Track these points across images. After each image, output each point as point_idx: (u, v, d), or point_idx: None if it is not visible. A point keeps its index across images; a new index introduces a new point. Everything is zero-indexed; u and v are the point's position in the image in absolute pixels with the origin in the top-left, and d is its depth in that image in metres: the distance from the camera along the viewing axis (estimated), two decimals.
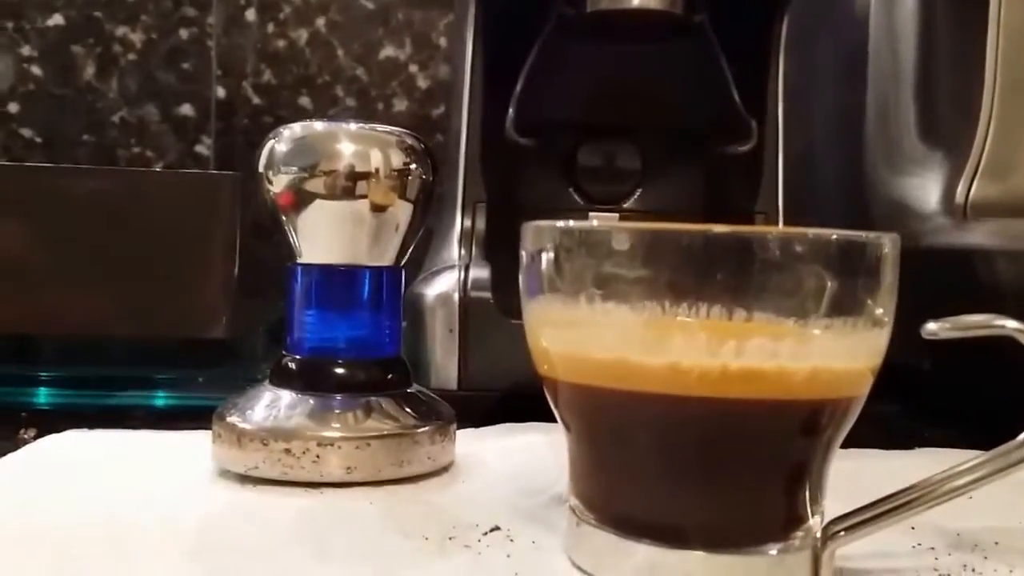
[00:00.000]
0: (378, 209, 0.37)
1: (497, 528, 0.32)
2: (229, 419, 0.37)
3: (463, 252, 0.53)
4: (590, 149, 0.61)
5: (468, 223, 0.54)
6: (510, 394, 0.48)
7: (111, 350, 0.50)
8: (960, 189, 0.54)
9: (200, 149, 0.85)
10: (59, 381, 0.49)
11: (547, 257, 0.28)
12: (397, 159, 0.37)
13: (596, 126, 0.60)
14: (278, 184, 0.37)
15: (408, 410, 0.38)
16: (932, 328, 0.28)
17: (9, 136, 0.83)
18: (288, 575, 0.27)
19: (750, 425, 0.26)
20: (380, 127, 0.38)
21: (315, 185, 0.37)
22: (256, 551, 0.29)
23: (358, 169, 0.37)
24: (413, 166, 0.38)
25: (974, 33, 0.54)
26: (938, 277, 0.60)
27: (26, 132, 0.83)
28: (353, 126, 0.37)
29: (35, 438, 0.44)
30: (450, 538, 0.30)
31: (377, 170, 0.37)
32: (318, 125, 0.37)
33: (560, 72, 0.57)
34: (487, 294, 0.47)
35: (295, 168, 0.37)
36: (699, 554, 0.27)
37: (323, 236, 0.37)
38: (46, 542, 0.29)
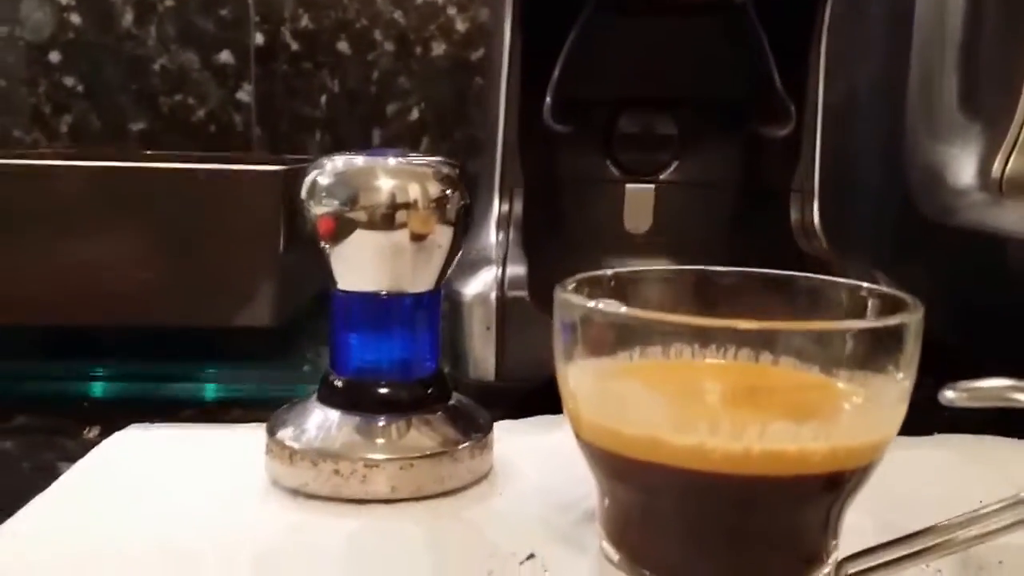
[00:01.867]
0: (417, 239, 0.39)
1: (532, 556, 0.34)
2: (279, 435, 0.39)
3: (501, 238, 0.55)
4: (628, 119, 0.61)
5: (506, 207, 0.55)
6: (546, 385, 0.50)
7: (161, 341, 0.53)
8: (996, 165, 0.55)
9: (241, 96, 0.86)
10: (114, 374, 0.51)
11: (576, 330, 0.29)
12: (435, 189, 0.39)
13: (634, 99, 0.60)
14: (318, 214, 0.38)
15: (448, 427, 0.40)
16: (950, 396, 0.29)
17: (53, 87, 0.84)
18: None
19: (770, 496, 0.28)
20: (416, 159, 0.39)
21: (355, 217, 0.38)
22: None
23: (397, 202, 0.38)
24: (449, 192, 0.39)
25: (1022, 8, 0.54)
26: (971, 253, 0.61)
27: (68, 81, 0.85)
28: (392, 160, 0.38)
29: (98, 436, 0.46)
30: (489, 574, 0.33)
31: (416, 202, 0.38)
32: (358, 160, 0.38)
33: (599, 51, 0.57)
34: (524, 293, 0.48)
35: (336, 202, 0.38)
36: None
37: (363, 266, 0.39)
38: (107, 565, 0.32)
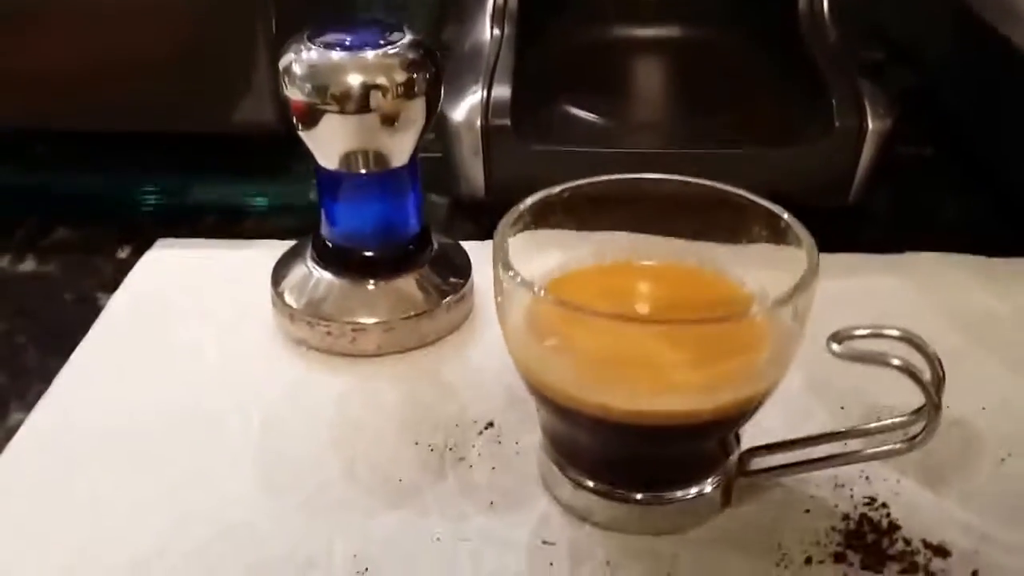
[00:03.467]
0: (389, 121, 0.41)
1: (491, 425, 0.40)
2: (281, 291, 0.45)
3: (495, 32, 0.56)
4: None
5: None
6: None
7: (183, 150, 0.57)
8: None
9: None
10: (142, 184, 0.56)
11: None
12: (402, 77, 0.41)
13: None
14: (292, 99, 0.41)
15: (430, 285, 0.45)
16: (835, 349, 0.33)
17: None
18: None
19: (666, 436, 0.34)
20: (390, 50, 0.41)
21: (327, 107, 0.40)
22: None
23: (367, 92, 0.40)
24: (416, 75, 0.41)
25: None
26: None
27: None
28: (361, 54, 0.40)
29: (130, 255, 0.52)
30: (450, 448, 0.39)
31: (384, 91, 0.40)
32: (332, 54, 0.40)
33: None
34: (507, 121, 0.50)
35: (308, 89, 0.40)
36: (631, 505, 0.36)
37: (338, 150, 0.42)
38: (145, 425, 0.40)
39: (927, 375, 0.33)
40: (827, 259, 0.48)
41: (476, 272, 0.47)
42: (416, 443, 0.39)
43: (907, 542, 0.35)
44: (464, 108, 0.51)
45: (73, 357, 0.44)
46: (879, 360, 0.32)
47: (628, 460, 0.36)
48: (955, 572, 0.34)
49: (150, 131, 0.55)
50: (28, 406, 0.41)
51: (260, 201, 0.56)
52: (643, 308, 0.38)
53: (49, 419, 0.40)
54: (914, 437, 0.34)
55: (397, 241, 0.45)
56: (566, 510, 0.37)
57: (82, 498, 0.37)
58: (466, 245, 0.49)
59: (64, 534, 0.36)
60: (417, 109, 0.42)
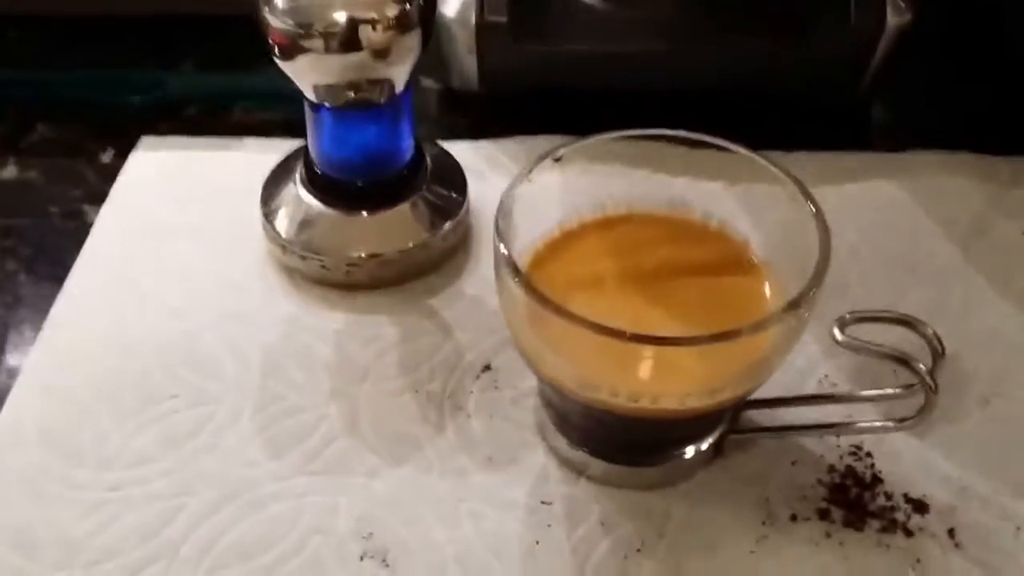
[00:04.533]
0: (380, 56, 0.39)
1: (488, 368, 0.41)
2: (270, 218, 0.44)
3: None
4: None
5: None
6: (527, 96, 0.52)
7: (164, 35, 0.54)
8: None
9: None
10: (125, 75, 0.54)
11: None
12: (393, 11, 0.38)
13: None
14: (276, 32, 0.38)
15: (424, 215, 0.44)
16: (838, 337, 0.33)
17: None
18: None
19: (663, 423, 0.34)
20: None
21: (311, 45, 0.38)
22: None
23: (354, 27, 0.38)
24: (411, 5, 0.39)
25: None
26: None
27: None
28: None
29: (113, 158, 0.51)
30: (448, 396, 0.40)
31: (374, 25, 0.38)
32: None
33: None
34: (503, 18, 0.48)
35: (291, 23, 0.38)
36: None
37: (324, 84, 0.40)
38: (141, 363, 0.40)
39: (926, 359, 0.34)
40: (828, 159, 0.48)
41: (472, 186, 0.46)
42: (416, 391, 0.40)
43: (888, 496, 0.37)
44: (457, 2, 0.49)
45: (65, 288, 0.44)
46: (877, 352, 0.32)
47: (625, 437, 0.36)
48: (932, 528, 0.36)
49: (130, 14, 0.53)
50: (26, 341, 0.42)
51: (247, 91, 0.54)
52: (644, 283, 0.37)
53: (47, 363, 0.41)
54: (906, 419, 0.34)
55: (390, 171, 0.43)
56: (562, 463, 0.38)
57: (87, 453, 0.38)
58: (460, 148, 0.48)
59: (70, 489, 0.37)
60: (411, 42, 0.40)
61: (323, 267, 0.43)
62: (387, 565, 0.34)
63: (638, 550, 0.35)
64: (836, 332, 0.33)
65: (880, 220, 0.47)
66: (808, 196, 0.34)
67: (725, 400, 0.32)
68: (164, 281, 0.44)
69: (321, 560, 0.35)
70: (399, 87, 0.41)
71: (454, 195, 0.45)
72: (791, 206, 0.34)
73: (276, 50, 0.39)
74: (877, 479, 0.37)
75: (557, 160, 0.35)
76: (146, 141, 0.51)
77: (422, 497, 0.36)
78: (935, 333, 0.34)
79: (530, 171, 0.34)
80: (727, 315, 0.35)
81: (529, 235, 0.36)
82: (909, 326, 0.34)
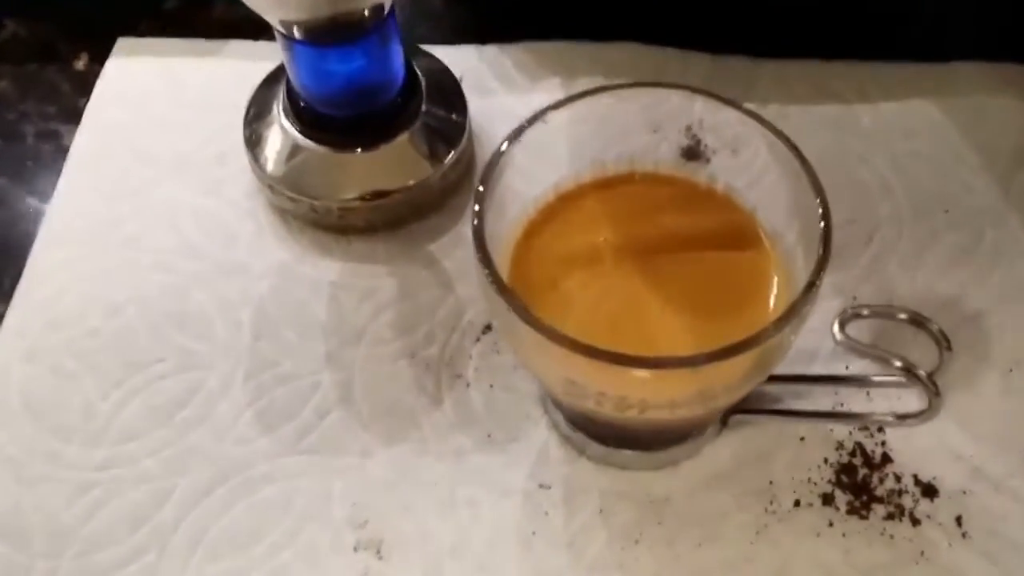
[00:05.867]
0: None
1: (489, 329, 0.39)
2: (256, 155, 0.41)
3: None
4: None
5: None
6: None
7: None
8: None
9: None
10: None
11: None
12: None
13: None
14: None
15: (423, 148, 0.41)
16: (836, 335, 0.32)
17: None
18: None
19: (654, 428, 0.33)
20: None
21: None
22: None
23: None
24: None
25: None
26: None
27: None
28: None
29: (87, 65, 0.48)
30: (447, 363, 0.38)
31: None
32: None
33: None
34: None
35: None
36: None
37: (296, 19, 0.36)
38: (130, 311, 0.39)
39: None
40: (866, 72, 0.44)
41: (475, 103, 0.43)
42: (412, 356, 0.38)
43: (897, 478, 0.36)
44: None
45: (41, 234, 0.42)
46: (880, 356, 0.31)
47: (620, 433, 0.35)
48: (939, 516, 0.35)
49: None
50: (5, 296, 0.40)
51: None
52: (643, 258, 0.35)
53: (28, 324, 0.39)
54: (910, 415, 0.33)
55: (381, 102, 0.40)
56: (563, 440, 0.37)
57: (74, 427, 0.37)
58: (461, 56, 0.45)
59: (58, 469, 0.36)
60: None
61: (314, 210, 0.40)
62: (381, 557, 0.34)
63: (636, 541, 0.34)
64: (836, 331, 0.31)
65: (916, 149, 0.44)
66: (815, 183, 0.30)
67: (719, 407, 0.31)
68: (147, 223, 0.42)
69: (315, 551, 0.34)
70: (386, 7, 0.37)
71: (454, 117, 0.42)
72: (797, 183, 0.31)
73: None
74: (887, 458, 0.36)
75: (545, 121, 0.32)
76: (122, 44, 0.47)
77: (418, 481, 0.36)
78: (941, 330, 0.32)
79: (516, 136, 0.31)
80: (729, 297, 0.33)
81: (520, 201, 0.34)
82: (915, 324, 0.32)
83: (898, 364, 0.31)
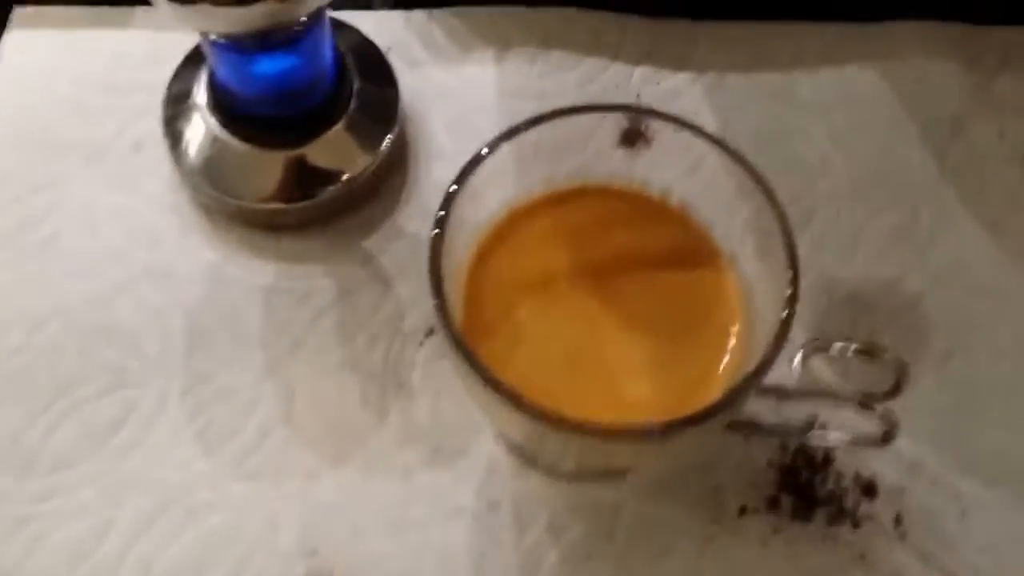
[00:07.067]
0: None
1: (432, 332, 0.38)
2: (173, 142, 0.39)
3: None
4: None
5: None
6: None
7: None
8: None
9: None
10: None
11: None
12: None
13: None
14: None
15: (353, 141, 0.39)
16: (795, 367, 0.32)
17: None
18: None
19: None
20: None
21: None
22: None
23: None
24: None
25: None
26: None
27: None
28: None
29: None
30: (390, 371, 0.38)
31: None
32: None
33: None
34: None
35: None
36: None
37: (217, 32, 0.34)
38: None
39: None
40: (803, 32, 0.43)
41: (405, 77, 0.41)
42: (355, 366, 0.37)
43: (838, 478, 0.37)
44: None
45: None
46: (834, 395, 0.31)
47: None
48: (879, 516, 0.36)
49: None
50: None
51: None
52: (599, 279, 0.34)
53: None
54: (866, 437, 0.33)
55: (312, 100, 0.38)
56: (511, 449, 0.36)
57: (6, 457, 0.36)
58: (388, 24, 0.43)
59: None
60: None
61: (241, 210, 0.38)
62: None
63: (587, 558, 0.35)
64: (796, 367, 0.31)
65: (855, 120, 0.43)
66: (774, 204, 0.30)
67: (685, 459, 0.31)
68: (67, 225, 0.39)
69: None
70: (315, 6, 0.34)
71: (386, 99, 0.40)
72: (753, 201, 0.30)
73: None
74: (828, 459, 0.37)
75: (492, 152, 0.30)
76: (20, 15, 0.43)
77: (366, 503, 0.35)
78: (898, 360, 0.32)
79: (458, 186, 0.30)
80: (690, 319, 0.33)
81: (473, 222, 0.32)
82: (870, 355, 0.32)
83: (856, 401, 0.31)
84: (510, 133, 0.31)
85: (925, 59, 0.44)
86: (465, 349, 0.28)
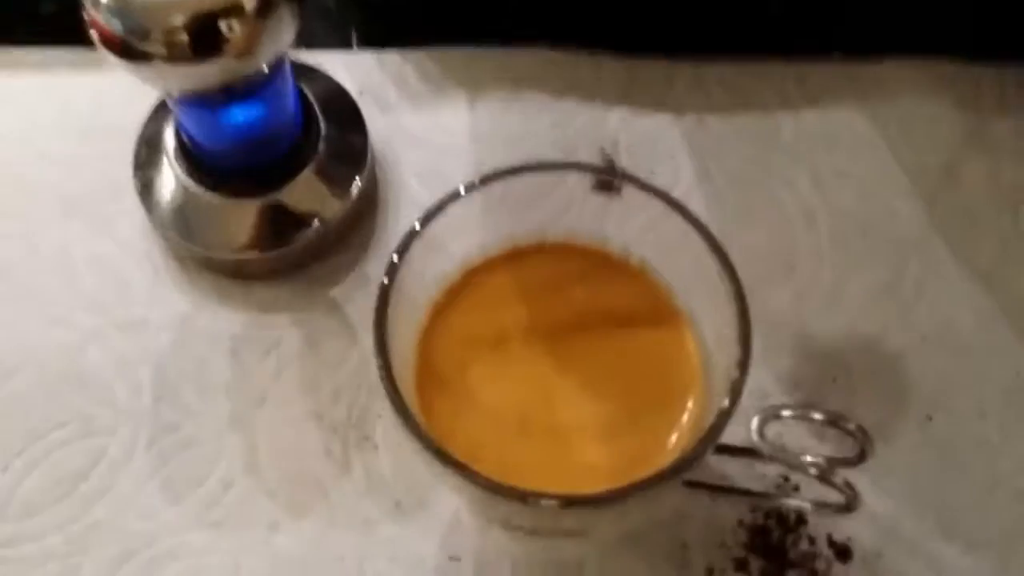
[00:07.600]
0: (244, 54, 0.33)
1: None
2: (143, 191, 0.39)
3: None
4: None
5: None
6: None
7: None
8: None
9: None
10: None
11: None
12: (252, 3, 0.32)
13: None
14: (102, 28, 0.31)
15: (322, 188, 0.39)
16: (752, 428, 0.31)
17: None
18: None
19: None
20: None
21: (152, 50, 0.32)
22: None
23: (210, 23, 0.32)
24: None
25: None
26: None
27: None
28: None
29: None
30: (353, 424, 0.37)
31: (240, 12, 0.32)
32: None
33: None
34: None
35: (121, 25, 0.31)
36: None
37: (177, 90, 0.34)
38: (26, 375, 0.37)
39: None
40: (788, 73, 0.43)
41: (375, 120, 0.41)
42: (319, 418, 0.37)
43: (811, 540, 0.36)
44: None
45: None
46: (796, 464, 0.30)
47: None
48: None
49: None
50: None
51: None
52: (554, 338, 0.33)
53: None
54: (829, 505, 0.32)
55: (278, 150, 0.38)
56: (471, 506, 0.36)
57: None
58: (359, 64, 0.43)
59: None
60: (284, 20, 0.33)
61: (210, 259, 0.38)
62: None
63: None
64: (754, 434, 0.30)
65: (840, 166, 0.42)
66: (728, 270, 0.29)
67: (636, 520, 0.30)
68: (39, 273, 0.40)
69: None
70: (273, 59, 0.34)
71: (355, 147, 0.40)
72: (710, 264, 0.30)
73: (109, 51, 0.32)
74: (801, 519, 0.36)
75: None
76: None
77: (326, 556, 0.35)
78: (860, 428, 0.31)
79: (404, 248, 0.30)
80: (647, 384, 0.32)
81: (432, 274, 0.32)
82: (833, 425, 0.31)
83: (814, 472, 0.30)
84: (476, 184, 0.30)
85: (915, 99, 0.43)
86: (407, 414, 0.27)
